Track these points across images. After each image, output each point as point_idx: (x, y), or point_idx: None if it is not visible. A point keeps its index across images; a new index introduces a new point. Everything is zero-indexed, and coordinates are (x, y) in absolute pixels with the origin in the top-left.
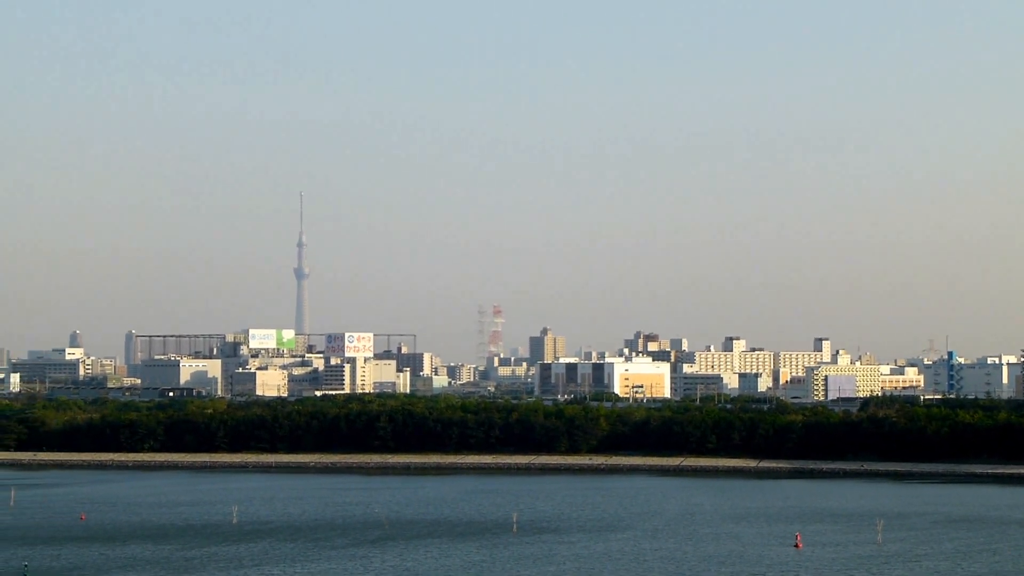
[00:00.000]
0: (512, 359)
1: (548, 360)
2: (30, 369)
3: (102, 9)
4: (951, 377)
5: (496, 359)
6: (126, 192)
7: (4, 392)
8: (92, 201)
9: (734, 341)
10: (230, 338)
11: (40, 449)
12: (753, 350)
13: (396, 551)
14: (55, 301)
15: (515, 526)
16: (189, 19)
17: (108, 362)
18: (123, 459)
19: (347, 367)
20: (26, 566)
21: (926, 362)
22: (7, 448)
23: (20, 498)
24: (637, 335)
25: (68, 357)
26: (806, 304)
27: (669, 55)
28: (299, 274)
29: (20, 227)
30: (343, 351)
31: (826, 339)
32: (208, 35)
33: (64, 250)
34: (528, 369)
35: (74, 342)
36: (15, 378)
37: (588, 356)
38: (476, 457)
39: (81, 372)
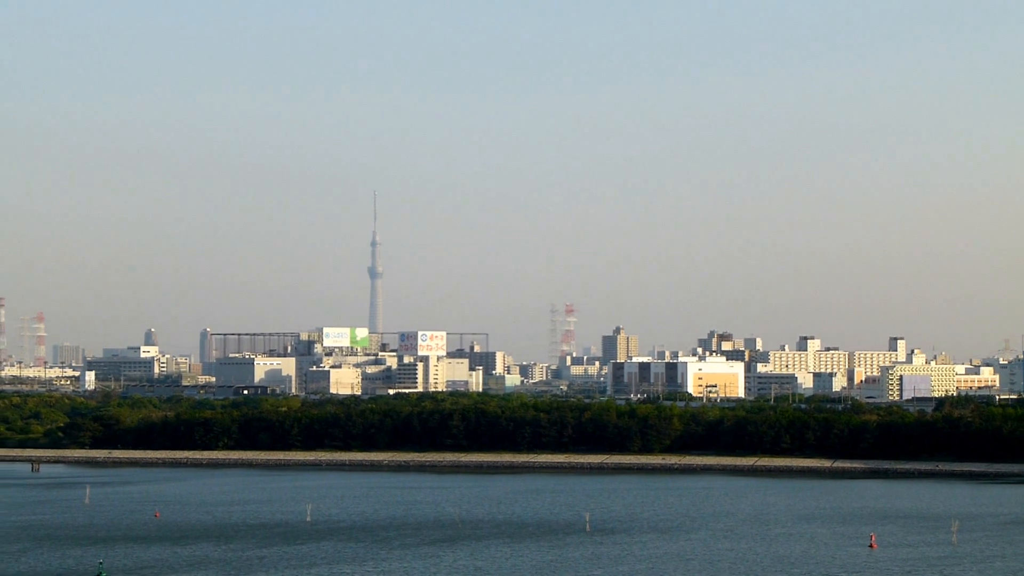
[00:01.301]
0: (585, 358)
1: (621, 359)
2: (106, 367)
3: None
4: None
5: (568, 358)
6: (201, 191)
7: (80, 390)
8: (167, 200)
9: (809, 340)
10: (304, 336)
11: (115, 447)
12: (828, 349)
13: (468, 550)
14: (130, 299)
15: (588, 525)
16: (267, 24)
17: (183, 360)
18: (198, 457)
19: (420, 365)
20: (101, 564)
21: (1002, 362)
22: (82, 446)
23: (95, 496)
24: (711, 334)
25: (143, 355)
26: (881, 303)
27: (731, 47)
28: (373, 273)
29: (95, 227)
30: (416, 349)
31: (901, 338)
32: (273, 38)
33: (139, 249)
34: (601, 368)
35: (149, 340)
36: (91, 376)
37: (661, 355)
38: (549, 456)
39: (156, 370)
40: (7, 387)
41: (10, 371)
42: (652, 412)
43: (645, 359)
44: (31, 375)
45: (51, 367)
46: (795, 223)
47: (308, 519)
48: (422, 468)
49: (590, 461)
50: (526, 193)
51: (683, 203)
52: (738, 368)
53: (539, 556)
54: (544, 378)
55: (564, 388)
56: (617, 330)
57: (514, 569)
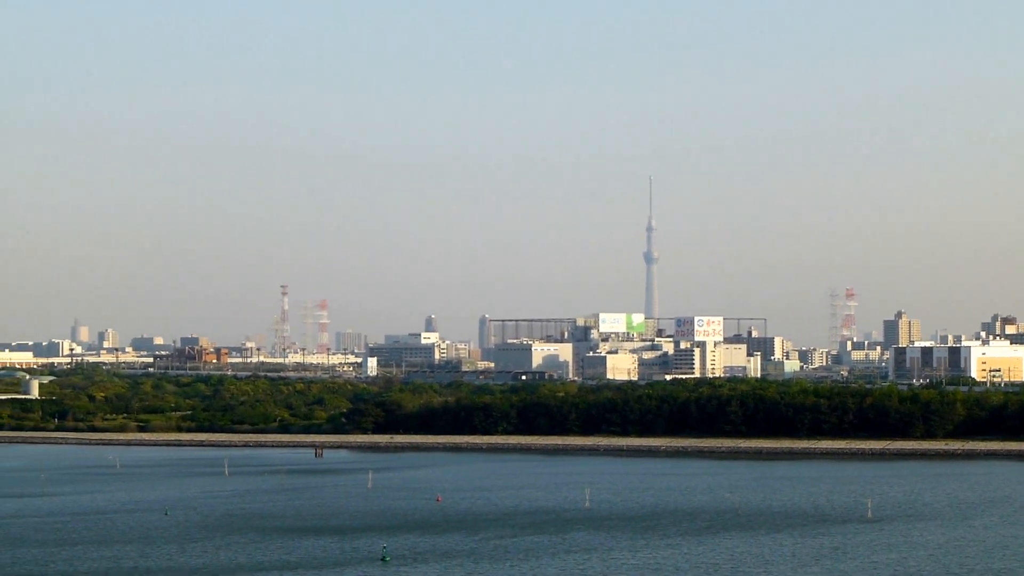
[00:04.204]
0: (865, 343)
1: (902, 344)
2: (387, 353)
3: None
4: None
5: (849, 343)
6: (477, 180)
7: (362, 376)
8: (445, 192)
9: None
10: (581, 322)
11: (396, 432)
12: None
13: (745, 538)
14: (412, 287)
15: (869, 512)
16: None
17: (462, 346)
18: (477, 441)
19: (697, 351)
20: (385, 548)
21: None
22: (365, 431)
23: (377, 481)
24: (995, 318)
25: (424, 341)
26: None
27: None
28: (648, 258)
29: (377, 217)
30: (692, 335)
31: None
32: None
33: (420, 238)
34: (882, 353)
35: (429, 327)
36: (372, 362)
37: (944, 340)
38: (829, 442)
39: (436, 356)
40: (291, 374)
41: (294, 358)
42: (935, 397)
43: (927, 343)
44: (314, 362)
45: (334, 354)
46: None
47: (587, 504)
48: (699, 454)
49: (871, 447)
50: (803, 177)
51: (966, 185)
52: (1023, 352)
53: (819, 542)
54: (824, 363)
55: (844, 373)
56: (899, 314)
57: (793, 556)
